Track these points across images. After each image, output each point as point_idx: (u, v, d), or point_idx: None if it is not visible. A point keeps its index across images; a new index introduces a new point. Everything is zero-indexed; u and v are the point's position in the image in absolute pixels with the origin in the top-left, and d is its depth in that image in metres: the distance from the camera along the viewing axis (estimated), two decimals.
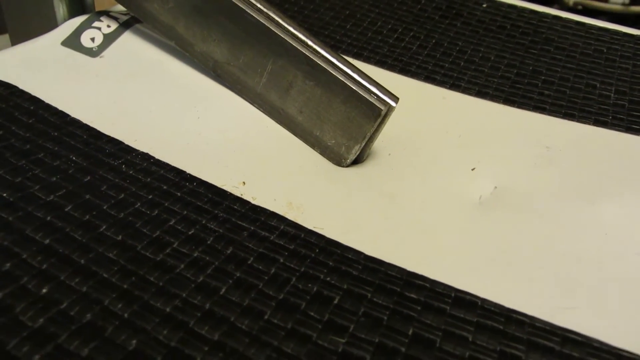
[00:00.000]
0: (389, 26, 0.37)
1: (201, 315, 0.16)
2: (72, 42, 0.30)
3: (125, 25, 0.31)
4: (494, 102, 0.31)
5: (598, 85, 0.33)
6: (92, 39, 0.30)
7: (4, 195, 0.20)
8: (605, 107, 0.31)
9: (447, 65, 0.34)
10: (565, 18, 0.40)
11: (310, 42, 0.25)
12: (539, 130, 0.29)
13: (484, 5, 0.41)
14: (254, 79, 0.27)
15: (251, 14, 0.26)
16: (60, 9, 0.32)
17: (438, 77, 0.33)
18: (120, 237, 0.19)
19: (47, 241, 0.18)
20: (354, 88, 0.24)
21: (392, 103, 0.25)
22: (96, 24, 0.31)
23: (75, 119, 0.25)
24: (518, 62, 0.35)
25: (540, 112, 0.30)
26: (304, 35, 0.26)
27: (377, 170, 0.26)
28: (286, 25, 0.26)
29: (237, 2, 0.26)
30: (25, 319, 0.15)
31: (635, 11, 0.71)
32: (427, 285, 0.18)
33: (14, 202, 0.19)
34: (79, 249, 0.18)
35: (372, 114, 0.24)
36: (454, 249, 0.21)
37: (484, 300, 0.18)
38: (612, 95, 0.32)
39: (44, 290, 0.16)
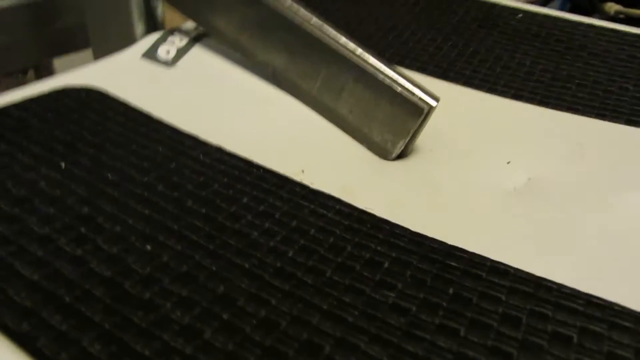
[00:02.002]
0: (429, 36, 0.40)
1: (280, 282, 0.19)
2: (151, 54, 0.35)
3: (195, 40, 0.36)
4: (529, 103, 0.34)
5: (631, 88, 0.35)
6: (167, 52, 0.35)
7: (108, 176, 0.24)
8: (637, 107, 0.33)
9: (484, 71, 0.37)
10: (599, 26, 0.42)
11: (359, 50, 0.29)
12: (572, 129, 0.31)
13: (519, 16, 0.43)
14: (309, 83, 0.31)
15: (307, 27, 0.30)
16: (139, 27, 0.37)
17: (476, 81, 0.36)
18: (204, 210, 0.22)
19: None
20: (398, 90, 0.28)
21: (433, 103, 0.27)
22: (170, 39, 0.36)
23: (158, 118, 0.29)
24: (552, 67, 0.37)
25: (573, 112, 0.33)
26: (354, 44, 0.29)
27: (420, 164, 0.29)
28: (338, 36, 0.29)
29: (294, 18, 0.30)
30: None
31: None
32: (466, 256, 0.21)
33: (116, 181, 0.23)
34: (171, 218, 0.22)
35: (415, 112, 0.27)
36: (491, 228, 0.23)
37: (516, 270, 0.20)
38: None
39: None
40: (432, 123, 0.29)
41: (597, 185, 0.26)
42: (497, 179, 0.27)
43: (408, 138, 0.28)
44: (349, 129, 0.30)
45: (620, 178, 0.27)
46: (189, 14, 0.35)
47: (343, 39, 0.29)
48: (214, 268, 0.19)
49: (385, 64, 0.29)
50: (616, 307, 0.19)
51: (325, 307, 0.18)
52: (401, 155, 0.29)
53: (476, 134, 0.31)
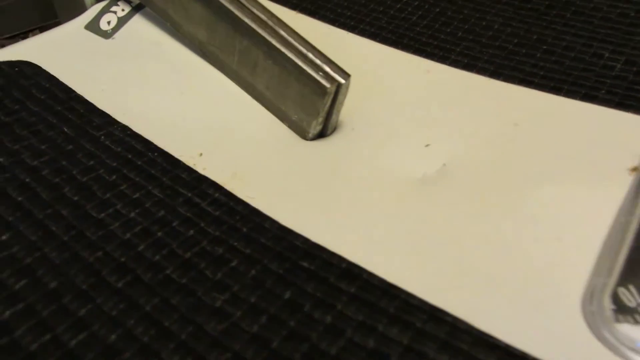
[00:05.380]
0: None
1: (115, 278, 0.19)
2: (94, 25, 0.35)
3: (136, 9, 0.35)
4: (480, 74, 0.30)
5: (606, 55, 0.30)
6: (108, 22, 0.35)
7: (1, 160, 0.24)
8: (603, 79, 0.29)
9: (442, 36, 0.33)
10: None
11: (270, 23, 0.27)
12: (515, 106, 0.28)
13: None
14: (229, 57, 0.30)
15: None
16: None
17: (429, 48, 0.32)
18: (76, 198, 0.22)
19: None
20: (303, 66, 0.26)
21: (341, 80, 0.25)
22: (114, 8, 0.35)
23: (78, 94, 0.29)
24: (523, 30, 0.33)
25: (526, 85, 0.29)
26: (265, 15, 0.27)
27: (335, 145, 0.27)
28: (248, 6, 0.27)
29: None
30: None
31: None
32: (324, 255, 0.20)
33: (7, 166, 0.24)
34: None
35: (320, 91, 0.25)
36: (369, 225, 0.22)
37: (370, 274, 0.19)
38: (619, 66, 0.29)
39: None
40: (364, 95, 0.27)
41: (512, 176, 0.24)
42: (411, 164, 0.25)
43: (320, 118, 0.27)
44: (269, 106, 0.29)
45: (544, 167, 0.24)
46: None
47: (254, 10, 0.27)
48: (57, 261, 0.19)
49: (297, 38, 0.26)
50: (461, 325, 0.17)
51: (147, 308, 0.18)
52: (322, 134, 0.28)
53: (408, 110, 0.29)
